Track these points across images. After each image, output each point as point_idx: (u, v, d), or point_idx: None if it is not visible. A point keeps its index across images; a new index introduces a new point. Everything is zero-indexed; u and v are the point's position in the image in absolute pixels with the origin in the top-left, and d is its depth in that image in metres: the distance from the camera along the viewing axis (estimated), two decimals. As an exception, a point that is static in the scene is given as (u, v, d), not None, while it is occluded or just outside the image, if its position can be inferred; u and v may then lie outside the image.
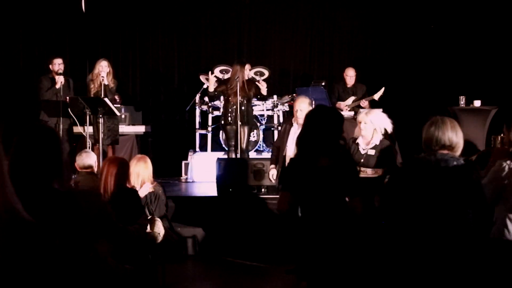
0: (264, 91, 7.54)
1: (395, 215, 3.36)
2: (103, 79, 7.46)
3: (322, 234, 3.35)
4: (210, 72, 8.03)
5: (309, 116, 3.57)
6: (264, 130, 9.12)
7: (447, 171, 3.19)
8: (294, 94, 9.07)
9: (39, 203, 2.30)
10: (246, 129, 7.50)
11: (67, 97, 7.68)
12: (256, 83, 7.60)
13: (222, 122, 7.67)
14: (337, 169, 3.37)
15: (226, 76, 8.46)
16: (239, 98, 7.30)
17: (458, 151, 3.28)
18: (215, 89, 7.52)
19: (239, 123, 7.31)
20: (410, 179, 3.29)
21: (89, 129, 7.51)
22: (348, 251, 3.35)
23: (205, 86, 9.08)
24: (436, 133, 3.24)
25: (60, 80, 7.73)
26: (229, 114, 7.47)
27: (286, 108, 9.16)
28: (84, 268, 2.39)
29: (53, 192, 2.35)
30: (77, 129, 7.92)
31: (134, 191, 4.55)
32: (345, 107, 8.69)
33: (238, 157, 7.37)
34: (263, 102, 8.80)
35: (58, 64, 7.94)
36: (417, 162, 3.32)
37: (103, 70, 7.55)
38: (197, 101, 9.10)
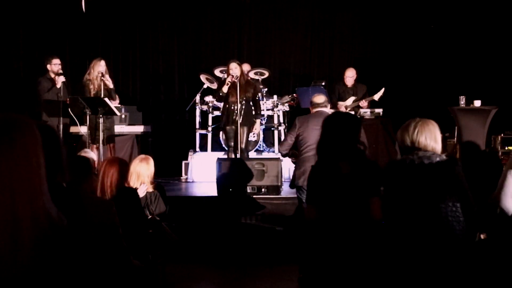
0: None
1: (390, 216, 3.38)
2: (106, 80, 7.46)
3: (348, 238, 3.32)
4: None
5: (327, 122, 3.50)
6: (264, 130, 9.11)
7: (431, 168, 3.24)
8: (294, 94, 9.07)
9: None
10: (245, 129, 7.50)
11: (68, 98, 7.69)
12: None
13: (222, 122, 7.66)
14: (359, 174, 3.33)
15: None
16: (238, 98, 7.30)
17: (439, 151, 3.35)
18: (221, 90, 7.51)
19: (239, 123, 7.31)
20: (397, 180, 3.35)
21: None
22: (369, 255, 3.33)
23: (205, 86, 9.08)
24: (417, 137, 3.31)
25: (60, 80, 7.68)
26: (229, 114, 7.47)
27: (286, 108, 9.15)
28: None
29: (57, 186, 2.40)
30: (77, 129, 7.92)
31: (133, 191, 4.53)
32: (345, 107, 8.69)
33: (238, 157, 7.36)
34: (263, 102, 8.80)
35: (57, 64, 7.92)
36: (400, 163, 3.39)
37: (102, 70, 7.53)
38: (197, 101, 9.09)
